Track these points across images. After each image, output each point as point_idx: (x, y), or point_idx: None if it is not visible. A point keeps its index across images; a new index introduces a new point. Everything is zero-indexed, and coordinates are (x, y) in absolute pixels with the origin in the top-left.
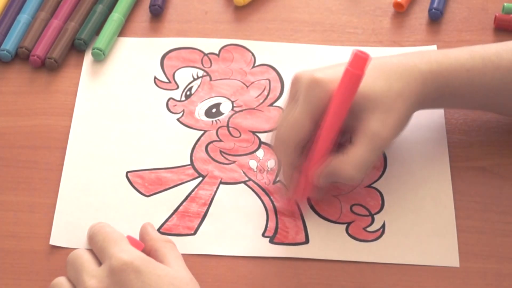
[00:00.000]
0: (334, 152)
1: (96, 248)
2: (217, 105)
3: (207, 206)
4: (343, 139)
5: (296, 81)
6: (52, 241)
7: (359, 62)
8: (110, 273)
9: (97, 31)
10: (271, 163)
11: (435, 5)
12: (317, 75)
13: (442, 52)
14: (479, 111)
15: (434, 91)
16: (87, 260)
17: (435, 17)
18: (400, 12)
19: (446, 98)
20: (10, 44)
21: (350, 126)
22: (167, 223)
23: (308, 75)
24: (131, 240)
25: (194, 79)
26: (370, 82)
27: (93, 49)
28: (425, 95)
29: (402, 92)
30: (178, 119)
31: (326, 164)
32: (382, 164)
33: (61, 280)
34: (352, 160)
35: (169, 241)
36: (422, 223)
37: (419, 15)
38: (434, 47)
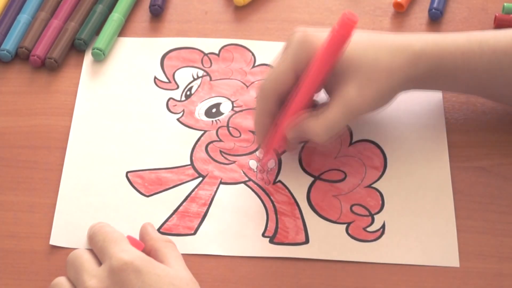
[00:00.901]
0: (310, 110)
1: (96, 248)
2: (217, 105)
3: (207, 206)
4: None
5: (290, 36)
6: (52, 241)
7: (347, 24)
8: (110, 273)
9: (97, 31)
10: (271, 163)
11: (435, 5)
12: (309, 31)
13: (439, 35)
14: (473, 96)
15: (427, 71)
16: (87, 260)
17: (435, 17)
18: (400, 12)
19: (439, 80)
20: (10, 44)
21: (330, 89)
22: (167, 223)
23: (301, 30)
24: (131, 240)
25: (194, 79)
26: (359, 50)
27: (93, 49)
28: (415, 75)
29: (389, 66)
30: (178, 119)
31: (298, 119)
32: (382, 164)
33: (61, 280)
34: (322, 120)
35: (169, 241)
36: (422, 223)
37: (419, 15)
38: None
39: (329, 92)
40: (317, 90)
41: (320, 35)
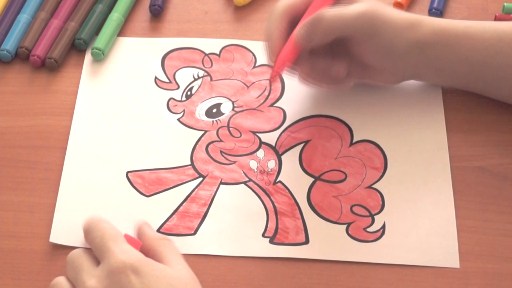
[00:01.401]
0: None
1: (94, 244)
2: (218, 105)
3: (207, 206)
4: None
5: None
6: (52, 239)
7: None
8: (109, 273)
9: (97, 31)
10: (271, 164)
11: (435, 5)
12: None
13: (443, 19)
14: (473, 96)
15: (428, 36)
16: (86, 260)
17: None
18: None
19: (440, 49)
20: (10, 44)
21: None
22: (167, 223)
23: None
24: (128, 238)
25: (195, 79)
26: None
27: (92, 49)
28: (416, 37)
29: (393, 17)
30: (178, 119)
31: (311, 16)
32: (382, 165)
33: (60, 280)
34: (334, 11)
35: (166, 239)
36: (422, 224)
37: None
38: None
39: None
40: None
41: None
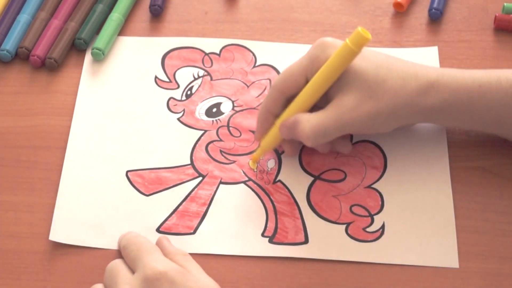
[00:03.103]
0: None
1: (130, 258)
2: (218, 105)
3: (206, 206)
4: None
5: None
6: (52, 237)
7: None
8: (143, 281)
9: (97, 30)
10: (271, 163)
11: (435, 5)
12: (328, 39)
13: (458, 70)
14: (489, 132)
15: (439, 103)
16: (123, 269)
17: (435, 17)
18: (400, 12)
19: (453, 114)
20: (10, 44)
21: (331, 94)
22: (167, 222)
23: (323, 38)
24: None
25: (195, 79)
26: (371, 66)
27: (93, 49)
28: (425, 105)
29: (396, 90)
30: (178, 119)
31: (293, 118)
32: (382, 165)
33: (98, 287)
34: (314, 122)
35: (186, 254)
36: (422, 224)
37: (419, 15)
38: (435, 48)
39: (330, 97)
40: (318, 97)
41: (338, 43)
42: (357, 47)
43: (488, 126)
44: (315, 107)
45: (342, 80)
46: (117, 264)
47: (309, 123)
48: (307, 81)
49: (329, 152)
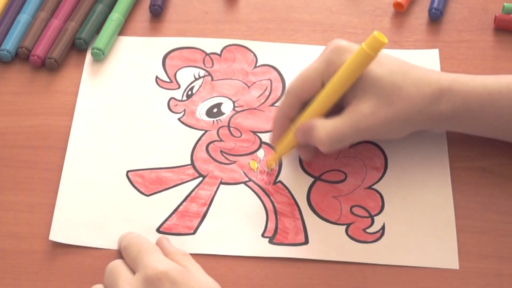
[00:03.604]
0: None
1: (131, 258)
2: (218, 105)
3: (207, 206)
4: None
5: (327, 45)
6: (52, 237)
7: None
8: (144, 281)
9: (97, 30)
10: (271, 164)
11: (435, 5)
12: (343, 43)
13: (469, 76)
14: (500, 139)
15: (450, 110)
16: (124, 269)
17: (435, 17)
18: (400, 12)
19: (464, 121)
20: (10, 44)
21: (347, 100)
22: (167, 222)
23: (337, 40)
24: None
25: (196, 79)
26: (386, 72)
27: (93, 49)
28: (438, 112)
29: (412, 97)
30: (179, 119)
31: (309, 123)
32: (382, 165)
33: (98, 287)
34: (329, 127)
35: (186, 254)
36: (422, 225)
37: (419, 15)
38: (436, 51)
39: (346, 103)
40: (334, 102)
41: (353, 47)
42: (373, 51)
43: (499, 132)
44: (329, 113)
45: (358, 86)
46: (118, 265)
47: (325, 129)
48: (323, 86)
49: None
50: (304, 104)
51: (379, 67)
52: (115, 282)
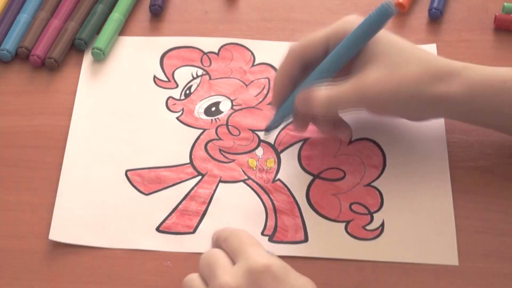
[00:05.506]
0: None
1: (232, 249)
2: (217, 104)
3: (206, 205)
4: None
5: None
6: (51, 236)
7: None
8: (246, 272)
9: (98, 31)
10: (270, 162)
11: (435, 5)
12: (354, 16)
13: (481, 65)
14: (506, 131)
15: (461, 93)
16: (223, 257)
17: (435, 17)
18: (400, 12)
19: (475, 106)
20: (10, 44)
21: (354, 67)
22: (166, 221)
23: (350, 15)
24: None
25: (194, 78)
26: (396, 48)
27: (93, 48)
28: (447, 93)
29: (420, 73)
30: (177, 118)
31: (310, 88)
32: (381, 163)
33: (193, 276)
34: (331, 91)
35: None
36: (421, 222)
37: (419, 15)
38: (434, 46)
39: (354, 71)
40: (340, 66)
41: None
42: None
43: (508, 123)
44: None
45: (368, 53)
46: (217, 252)
47: (326, 92)
48: (326, 53)
49: (327, 150)
50: (305, 67)
51: (388, 43)
52: (214, 271)
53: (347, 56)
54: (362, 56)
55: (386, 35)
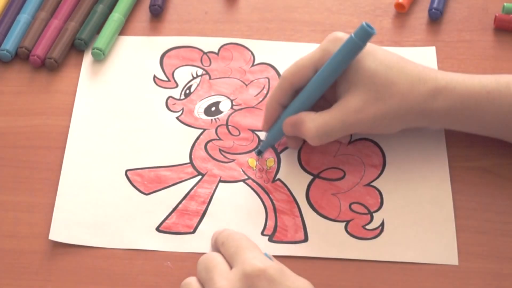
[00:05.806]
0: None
1: (229, 253)
2: (217, 104)
3: (206, 205)
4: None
5: (326, 37)
6: (51, 236)
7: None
8: (242, 277)
9: (98, 31)
10: (270, 162)
11: (435, 5)
12: (341, 34)
13: (467, 75)
14: (494, 137)
15: (446, 108)
16: (220, 262)
17: (435, 17)
18: (400, 12)
19: (461, 119)
20: (10, 44)
21: (339, 93)
22: (166, 221)
23: (336, 32)
24: None
25: (194, 78)
26: (380, 66)
27: (93, 49)
28: (431, 109)
29: (405, 93)
30: (177, 118)
31: (297, 116)
32: (380, 163)
33: (191, 280)
34: (318, 121)
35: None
36: (421, 221)
37: (419, 15)
38: (433, 48)
39: (338, 97)
40: (323, 90)
41: None
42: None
43: (495, 131)
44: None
45: (351, 79)
46: (214, 257)
47: (314, 123)
48: (314, 73)
49: (327, 150)
50: (296, 92)
51: (374, 61)
52: (211, 275)
53: (329, 80)
54: (347, 75)
55: (372, 51)
